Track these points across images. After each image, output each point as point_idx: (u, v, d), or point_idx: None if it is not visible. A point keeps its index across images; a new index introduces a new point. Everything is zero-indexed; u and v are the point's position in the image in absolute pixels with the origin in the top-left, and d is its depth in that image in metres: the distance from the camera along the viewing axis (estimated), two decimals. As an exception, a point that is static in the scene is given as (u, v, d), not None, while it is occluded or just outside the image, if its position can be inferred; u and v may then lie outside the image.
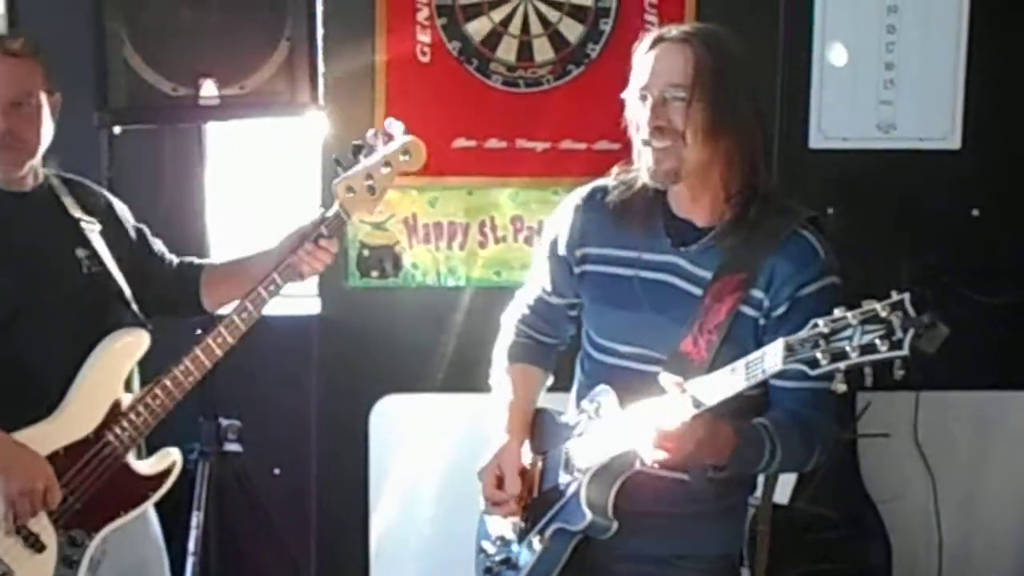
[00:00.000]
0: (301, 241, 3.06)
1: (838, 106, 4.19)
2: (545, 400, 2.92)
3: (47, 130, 3.03)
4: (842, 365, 2.16)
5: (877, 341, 2.11)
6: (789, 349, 2.24)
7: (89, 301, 3.05)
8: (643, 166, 2.60)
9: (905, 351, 2.09)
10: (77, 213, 3.09)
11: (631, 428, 2.48)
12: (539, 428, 2.84)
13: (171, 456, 3.10)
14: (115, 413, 3.00)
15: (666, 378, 2.40)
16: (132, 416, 3.00)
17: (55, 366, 2.98)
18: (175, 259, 3.28)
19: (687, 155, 2.54)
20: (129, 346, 3.06)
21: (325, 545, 4.16)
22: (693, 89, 2.51)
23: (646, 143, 2.57)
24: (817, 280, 2.54)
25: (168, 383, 3.00)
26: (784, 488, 3.85)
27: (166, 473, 3.09)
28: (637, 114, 2.59)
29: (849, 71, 4.18)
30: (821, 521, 4.12)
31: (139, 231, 3.24)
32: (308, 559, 4.13)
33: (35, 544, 2.93)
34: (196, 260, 3.29)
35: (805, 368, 2.22)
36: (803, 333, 2.22)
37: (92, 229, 3.09)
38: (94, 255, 3.07)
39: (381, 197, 3.08)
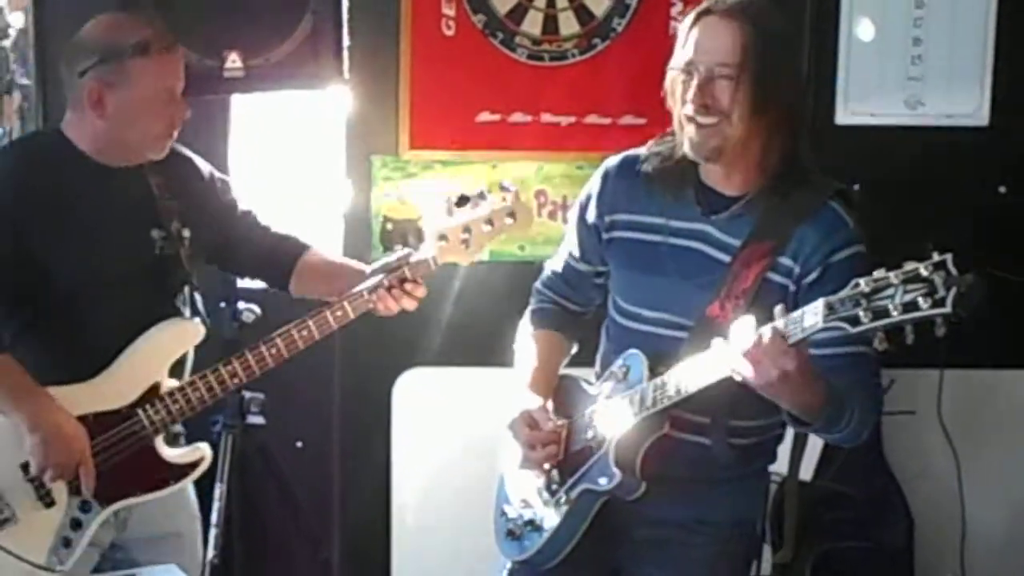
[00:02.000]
0: (384, 276, 3.05)
1: (865, 82, 4.16)
2: (569, 372, 2.92)
3: None
4: (884, 323, 2.17)
5: (920, 299, 2.13)
6: (830, 308, 2.25)
7: (154, 281, 3.12)
8: (685, 140, 2.60)
9: (948, 308, 2.11)
10: (159, 195, 3.12)
11: (718, 351, 2.43)
12: (564, 393, 2.85)
13: (201, 451, 3.14)
14: (152, 394, 3.04)
15: (780, 310, 2.36)
16: (168, 401, 3.03)
17: (108, 338, 3.04)
18: (277, 231, 3.31)
19: (731, 132, 2.55)
20: (182, 335, 3.11)
21: (348, 517, 4.17)
22: (741, 69, 2.50)
23: (690, 119, 2.56)
24: (847, 247, 2.54)
25: (212, 379, 3.03)
26: (807, 465, 3.84)
27: (192, 466, 3.12)
28: (681, 88, 2.57)
29: (877, 46, 4.15)
30: (844, 498, 4.12)
31: (233, 200, 3.27)
32: (330, 531, 4.14)
33: (45, 497, 2.98)
34: (300, 242, 3.31)
35: (846, 326, 2.22)
36: (844, 292, 2.24)
37: (172, 210, 3.12)
38: (169, 238, 3.11)
39: (475, 254, 3.05)
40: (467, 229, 3.02)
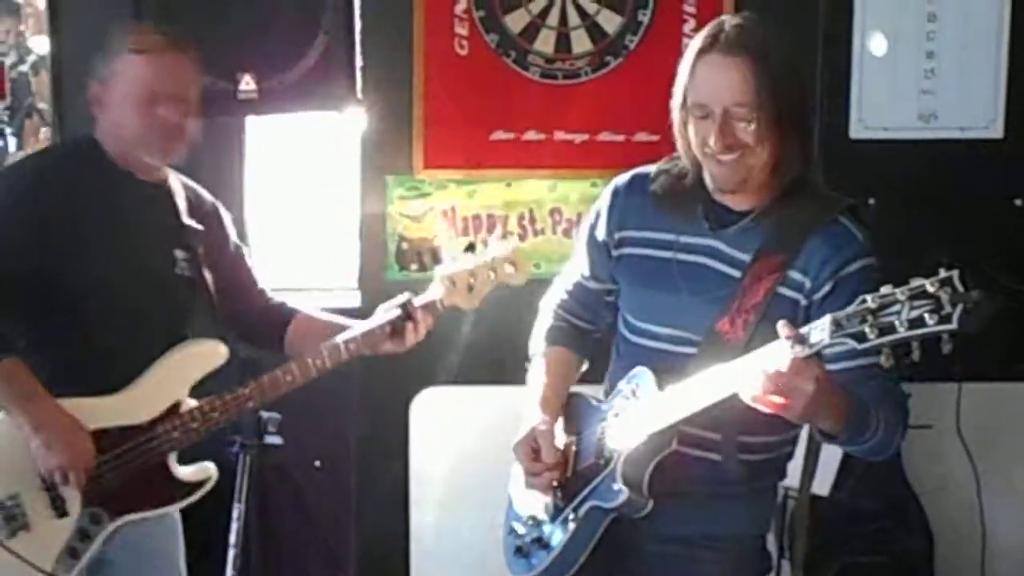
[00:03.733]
0: (389, 315, 3.14)
1: (879, 96, 4.17)
2: (579, 390, 2.92)
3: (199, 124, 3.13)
4: (890, 339, 2.17)
5: (926, 315, 2.12)
6: (837, 324, 2.24)
7: (174, 300, 3.15)
8: (707, 175, 2.61)
9: (954, 325, 2.10)
10: (186, 216, 3.17)
11: (735, 375, 2.41)
12: (573, 410, 2.85)
13: (208, 471, 3.17)
14: (172, 412, 3.07)
15: (782, 325, 2.34)
16: (187, 420, 3.06)
17: (122, 352, 3.06)
18: (269, 294, 3.36)
19: (754, 162, 2.56)
20: (207, 355, 3.15)
21: (365, 537, 4.17)
22: (759, 108, 2.51)
23: (709, 155, 2.57)
24: (857, 260, 2.54)
25: (229, 403, 3.07)
26: (825, 479, 3.83)
27: (199, 485, 3.14)
28: (696, 128, 2.57)
29: (890, 60, 4.16)
30: (863, 512, 4.10)
31: (238, 247, 3.33)
32: (348, 550, 4.14)
33: (59, 507, 3.00)
34: (288, 305, 3.36)
35: (853, 343, 2.22)
36: (851, 308, 2.23)
37: (197, 235, 3.17)
38: (192, 260, 3.16)
39: (477, 298, 3.22)
40: (472, 275, 3.18)
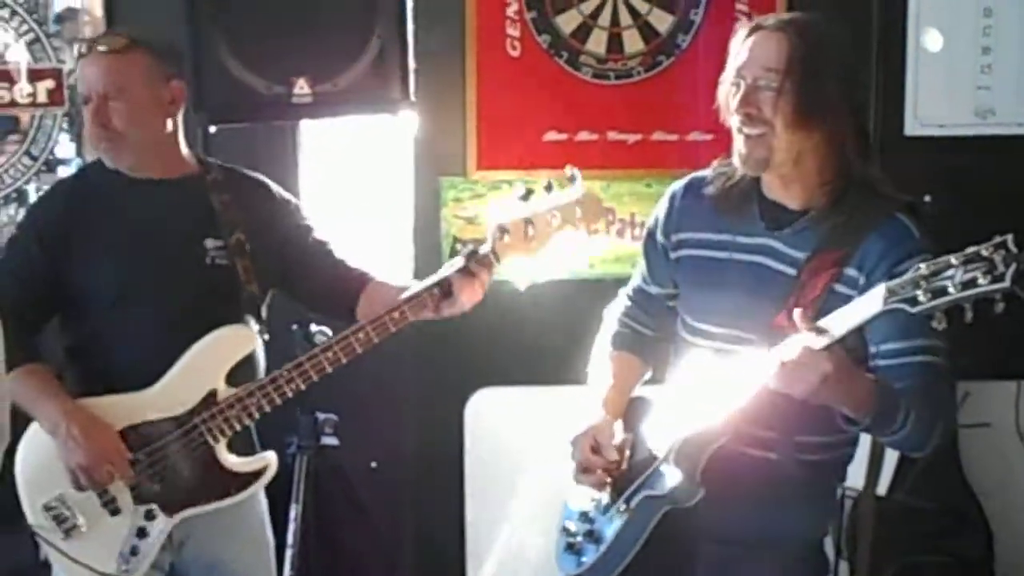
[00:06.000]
0: (433, 279, 3.04)
1: (934, 92, 4.14)
2: (641, 394, 2.91)
3: (148, 121, 3.10)
4: (942, 301, 2.21)
5: (979, 276, 2.16)
6: (890, 292, 2.28)
7: (205, 290, 3.13)
8: (735, 153, 2.62)
9: (1007, 283, 2.13)
10: (222, 210, 3.15)
11: (761, 363, 2.46)
12: (633, 412, 2.85)
13: (266, 460, 3.16)
14: (209, 402, 3.06)
15: (797, 312, 2.41)
16: (225, 409, 3.05)
17: (154, 346, 3.07)
18: (347, 263, 3.28)
19: (776, 144, 2.55)
20: (237, 342, 3.14)
21: (421, 537, 4.19)
22: (784, 77, 2.52)
23: (738, 130, 2.58)
24: (913, 257, 2.50)
25: (269, 387, 3.05)
26: (882, 479, 3.81)
27: (256, 475, 3.14)
28: (729, 99, 2.60)
29: (945, 56, 4.13)
30: (921, 512, 4.08)
31: (295, 221, 3.27)
32: (404, 550, 4.16)
33: (110, 505, 3.02)
34: (367, 272, 3.28)
35: (906, 306, 2.26)
36: (905, 276, 2.28)
37: (232, 221, 3.15)
38: (223, 248, 3.13)
39: (539, 247, 2.98)
40: (529, 222, 2.97)
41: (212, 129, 3.72)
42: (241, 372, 3.13)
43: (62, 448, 2.98)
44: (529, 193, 2.98)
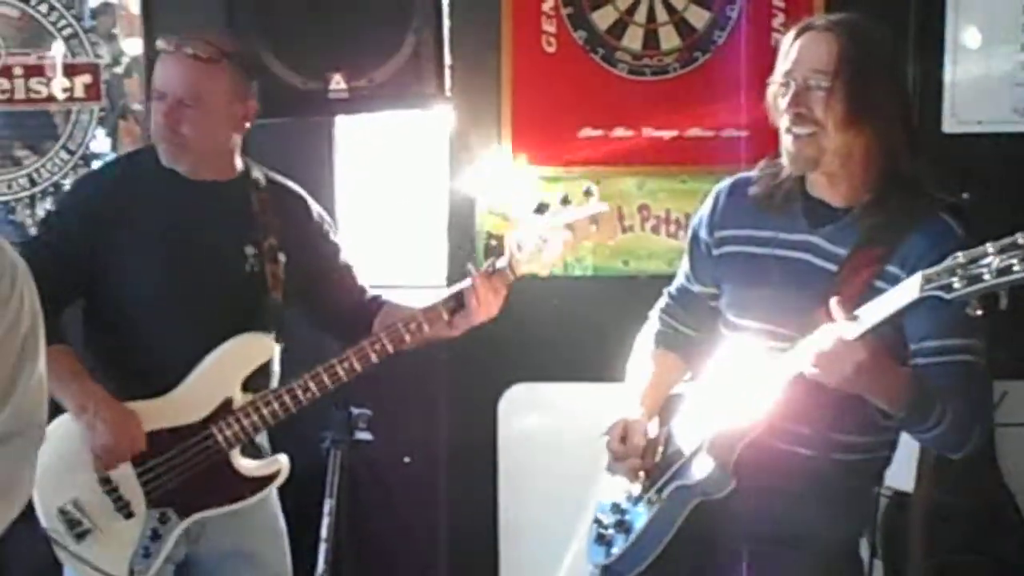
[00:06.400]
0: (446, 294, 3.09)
1: (972, 90, 4.11)
2: (680, 391, 2.92)
3: (217, 133, 3.11)
4: (977, 287, 2.22)
5: (1015, 264, 2.18)
6: (927, 280, 2.30)
7: (243, 297, 3.15)
8: (784, 152, 2.63)
9: None
10: (260, 211, 3.17)
11: (796, 353, 2.48)
12: (670, 409, 2.86)
13: (278, 463, 3.19)
14: (224, 410, 3.08)
15: (833, 301, 2.43)
16: (240, 416, 3.07)
17: (187, 348, 3.08)
18: (366, 288, 3.32)
19: (826, 144, 2.57)
20: (253, 349, 3.14)
21: (454, 531, 4.19)
22: (835, 77, 2.53)
23: (787, 130, 2.59)
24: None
25: (284, 395, 3.07)
26: (911, 475, 3.79)
27: (270, 478, 3.16)
28: (779, 100, 2.60)
29: (983, 53, 4.10)
30: (957, 511, 4.05)
31: (328, 242, 3.29)
32: (437, 545, 4.16)
33: (124, 509, 3.03)
34: (381, 297, 3.32)
35: (941, 293, 2.27)
36: (942, 264, 2.29)
37: (269, 228, 3.16)
38: (261, 256, 3.14)
39: (552, 262, 3.08)
40: (544, 238, 3.04)
41: (247, 124, 3.73)
42: (256, 379, 3.15)
43: (88, 430, 2.99)
44: (544, 207, 3.04)
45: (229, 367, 3.11)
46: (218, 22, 3.59)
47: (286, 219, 3.21)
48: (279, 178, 3.30)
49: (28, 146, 3.99)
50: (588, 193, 3.01)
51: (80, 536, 3.04)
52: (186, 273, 3.10)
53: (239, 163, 3.23)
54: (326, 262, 3.29)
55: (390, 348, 3.06)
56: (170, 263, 3.10)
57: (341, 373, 3.06)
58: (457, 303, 3.09)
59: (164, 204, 3.12)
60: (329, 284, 3.29)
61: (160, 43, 3.09)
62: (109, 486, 3.05)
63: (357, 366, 3.06)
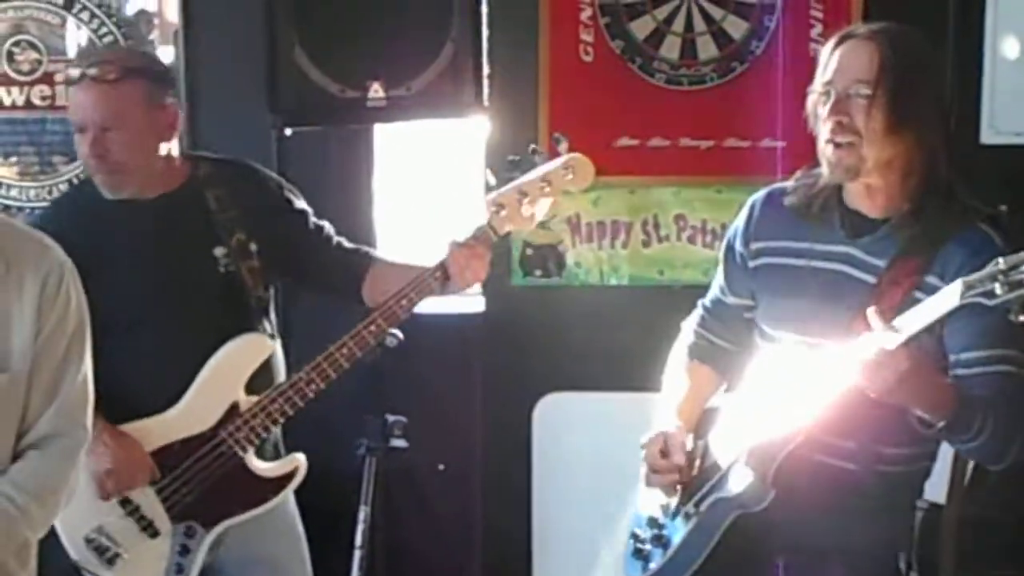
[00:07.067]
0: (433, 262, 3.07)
1: (1011, 100, 4.08)
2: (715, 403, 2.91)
3: (147, 147, 3.08)
4: (1018, 293, 2.22)
5: None
6: (968, 286, 2.28)
7: (222, 300, 3.15)
8: (823, 161, 2.61)
9: None
10: (218, 209, 3.15)
11: (837, 363, 2.47)
12: (706, 422, 2.85)
13: (295, 461, 3.19)
14: (232, 414, 3.09)
15: (871, 311, 2.41)
16: (249, 418, 3.08)
17: (180, 362, 3.08)
18: (346, 244, 3.29)
19: (867, 153, 2.56)
20: (252, 350, 3.15)
21: (489, 539, 4.19)
22: (876, 87, 2.52)
23: (828, 140, 2.58)
24: None
25: (289, 391, 3.07)
26: (943, 488, 3.76)
27: (288, 477, 3.17)
28: (819, 109, 2.59)
29: (1022, 64, 4.07)
30: (996, 525, 4.02)
31: (302, 212, 3.27)
32: (472, 553, 4.17)
33: (148, 529, 3.04)
34: (370, 251, 3.31)
35: (983, 300, 2.26)
36: (983, 271, 2.27)
37: (229, 224, 3.14)
38: (230, 253, 3.14)
39: (535, 217, 3.08)
40: (523, 193, 3.04)
41: (287, 131, 3.76)
42: (259, 378, 3.15)
43: (90, 454, 2.93)
44: (516, 163, 3.05)
45: (229, 371, 3.11)
46: (257, 31, 3.61)
47: (246, 205, 3.18)
48: (225, 158, 3.28)
49: (65, 153, 4.01)
50: (556, 141, 3.03)
51: (110, 562, 3.05)
52: (163, 293, 3.09)
53: (182, 164, 3.20)
54: (297, 232, 3.25)
55: (386, 327, 3.03)
56: (144, 287, 3.09)
57: (341, 360, 3.05)
58: (443, 273, 3.08)
59: (123, 234, 3.11)
60: (307, 252, 3.25)
61: (69, 71, 3.08)
62: (130, 507, 3.06)
63: (356, 351, 3.04)
